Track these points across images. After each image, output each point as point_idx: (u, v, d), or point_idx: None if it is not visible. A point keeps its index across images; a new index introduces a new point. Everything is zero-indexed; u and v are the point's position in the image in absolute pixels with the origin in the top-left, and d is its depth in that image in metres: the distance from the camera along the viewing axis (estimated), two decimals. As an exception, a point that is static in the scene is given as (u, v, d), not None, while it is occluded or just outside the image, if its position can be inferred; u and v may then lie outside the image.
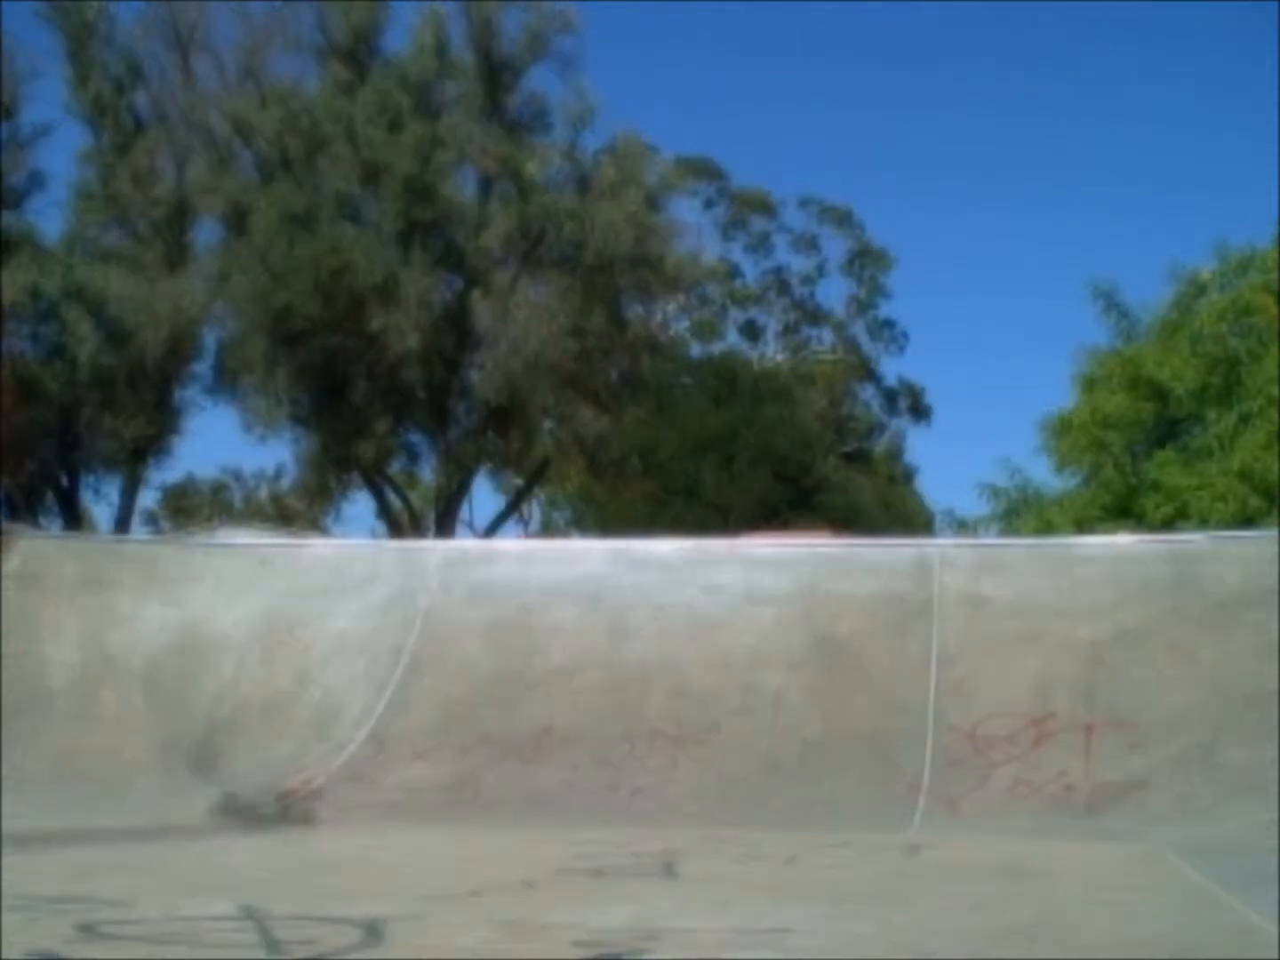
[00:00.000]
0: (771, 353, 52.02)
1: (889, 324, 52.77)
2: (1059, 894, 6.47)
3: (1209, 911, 5.99)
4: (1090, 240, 66.42)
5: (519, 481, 33.15)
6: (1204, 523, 19.22)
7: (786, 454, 39.86)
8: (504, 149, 27.23)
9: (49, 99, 29.92)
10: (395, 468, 30.98)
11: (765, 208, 51.87)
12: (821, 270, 52.76)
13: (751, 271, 52.84)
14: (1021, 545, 13.63)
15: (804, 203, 52.10)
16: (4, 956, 4.67)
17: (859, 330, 53.13)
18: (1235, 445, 20.41)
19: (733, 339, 51.19)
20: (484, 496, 54.82)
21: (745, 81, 72.05)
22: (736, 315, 52.16)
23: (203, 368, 29.74)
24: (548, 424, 29.06)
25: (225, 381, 29.07)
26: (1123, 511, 21.27)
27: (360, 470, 29.23)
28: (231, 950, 5.04)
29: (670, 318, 38.08)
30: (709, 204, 50.05)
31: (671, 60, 72.99)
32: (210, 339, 29.50)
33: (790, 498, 39.45)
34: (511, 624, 11.75)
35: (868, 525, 37.89)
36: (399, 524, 30.07)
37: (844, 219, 52.09)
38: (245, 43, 29.31)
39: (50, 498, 30.09)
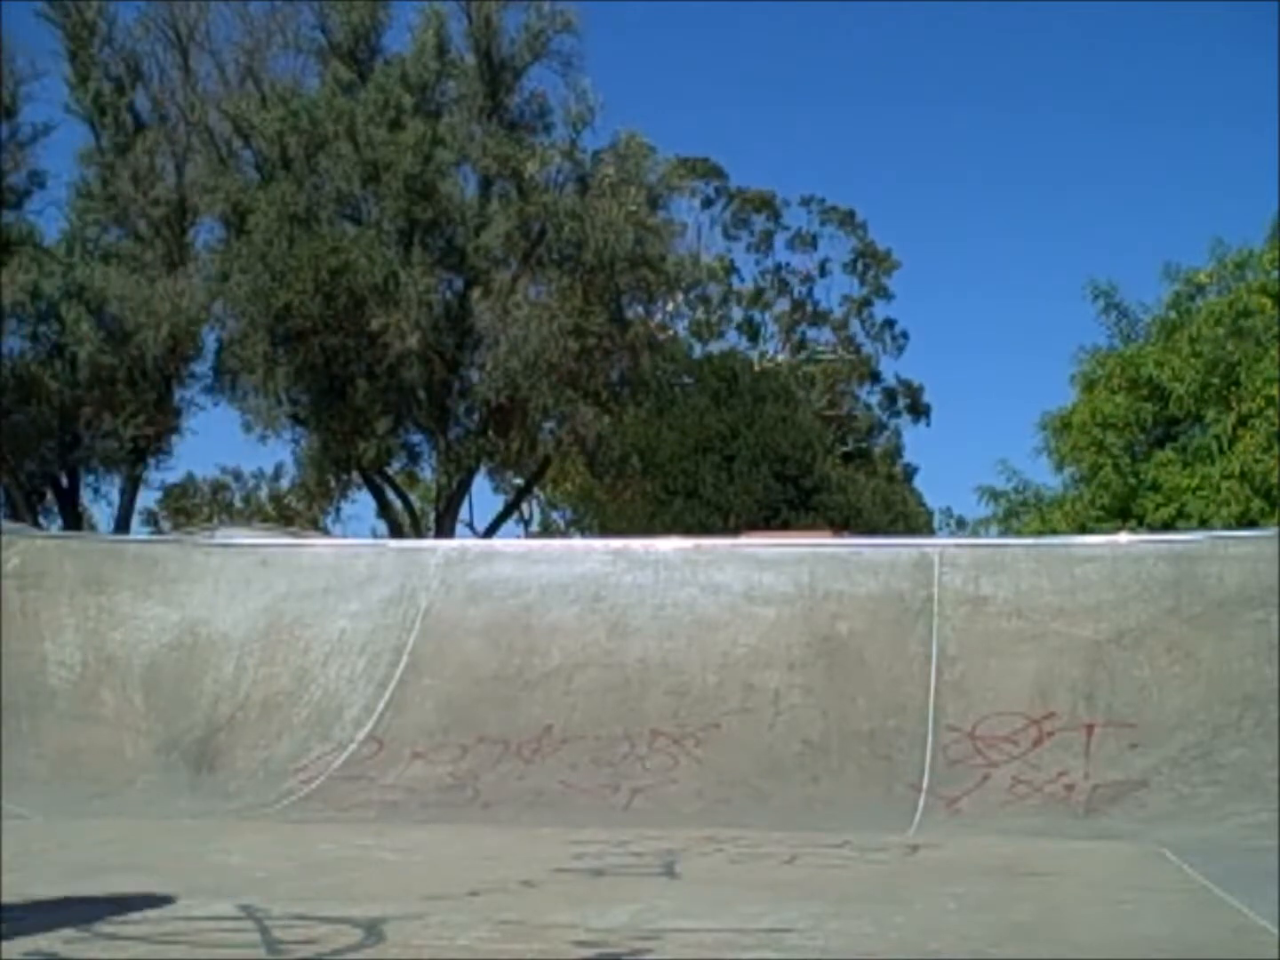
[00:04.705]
0: (772, 352, 52.03)
1: (889, 323, 52.83)
2: (1059, 894, 6.47)
3: (1209, 911, 5.99)
4: (1089, 240, 66.50)
5: (519, 481, 33.18)
6: (1204, 524, 19.22)
7: (786, 454, 39.88)
8: (504, 149, 27.24)
9: (49, 99, 30.06)
10: (395, 468, 31.01)
11: (768, 207, 51.89)
12: (824, 270, 52.83)
13: (752, 271, 52.90)
14: (1021, 545, 13.61)
15: (805, 202, 52.17)
16: (4, 957, 4.67)
17: (858, 329, 53.20)
18: (1235, 447, 20.42)
19: (733, 339, 51.26)
20: (484, 496, 54.85)
21: (745, 81, 72.15)
22: (737, 315, 52.21)
23: (203, 368, 29.82)
24: (548, 424, 29.07)
25: (225, 381, 29.11)
26: (1122, 512, 21.28)
27: (360, 470, 29.26)
28: (231, 950, 5.05)
29: (670, 318, 38.10)
30: (707, 203, 50.09)
31: (671, 60, 73.07)
32: (210, 339, 29.57)
33: (790, 498, 39.47)
34: (511, 624, 11.76)
35: (868, 525, 37.94)
36: (399, 524, 30.10)
37: (846, 219, 52.12)
38: (245, 43, 29.37)
39: (50, 498, 30.12)
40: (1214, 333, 21.21)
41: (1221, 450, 20.70)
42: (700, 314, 47.90)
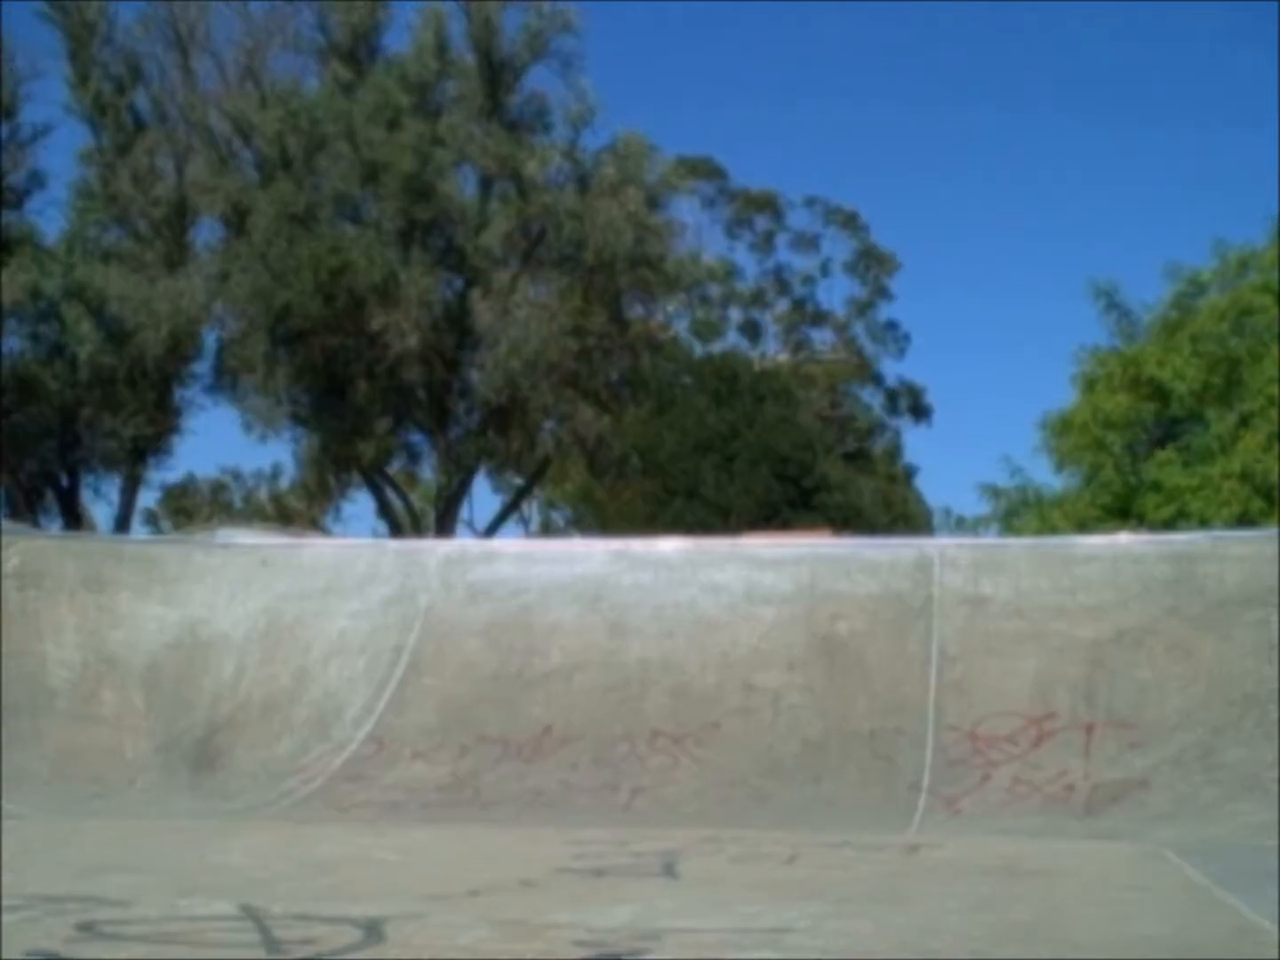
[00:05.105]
0: (772, 352, 52.00)
1: (891, 326, 52.78)
2: (1059, 894, 6.47)
3: (1209, 911, 6.00)
4: (1090, 240, 66.50)
5: (519, 481, 33.15)
6: (1204, 524, 19.22)
7: (786, 454, 39.86)
8: (504, 149, 27.21)
9: (49, 99, 29.96)
10: (395, 467, 30.99)
11: (771, 207, 51.84)
12: (826, 270, 52.78)
13: (754, 271, 52.85)
14: (1021, 545, 13.63)
15: (809, 202, 52.14)
16: (4, 957, 4.67)
17: (860, 331, 53.15)
18: (1236, 446, 20.41)
19: (733, 339, 51.23)
20: (484, 496, 54.83)
21: (747, 81, 72.13)
22: (737, 315, 52.18)
23: (203, 367, 29.79)
24: (548, 424, 29.03)
25: (225, 381, 29.10)
26: (1123, 511, 21.28)
27: (360, 470, 29.24)
28: (231, 950, 5.05)
29: (671, 317, 38.06)
30: (709, 203, 50.06)
31: (671, 60, 73.05)
32: (210, 339, 29.55)
33: (790, 498, 39.45)
34: (511, 624, 11.76)
35: (868, 525, 37.91)
36: (399, 524, 30.07)
37: (849, 220, 52.08)
38: (245, 43, 29.34)
39: (50, 498, 30.09)
40: (1217, 329, 21.22)
41: (1223, 450, 20.69)
42: (700, 314, 47.85)
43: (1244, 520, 19.32)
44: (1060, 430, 22.95)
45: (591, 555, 12.83)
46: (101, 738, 11.29)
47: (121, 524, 29.80)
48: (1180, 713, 10.16)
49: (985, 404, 69.50)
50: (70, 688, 11.73)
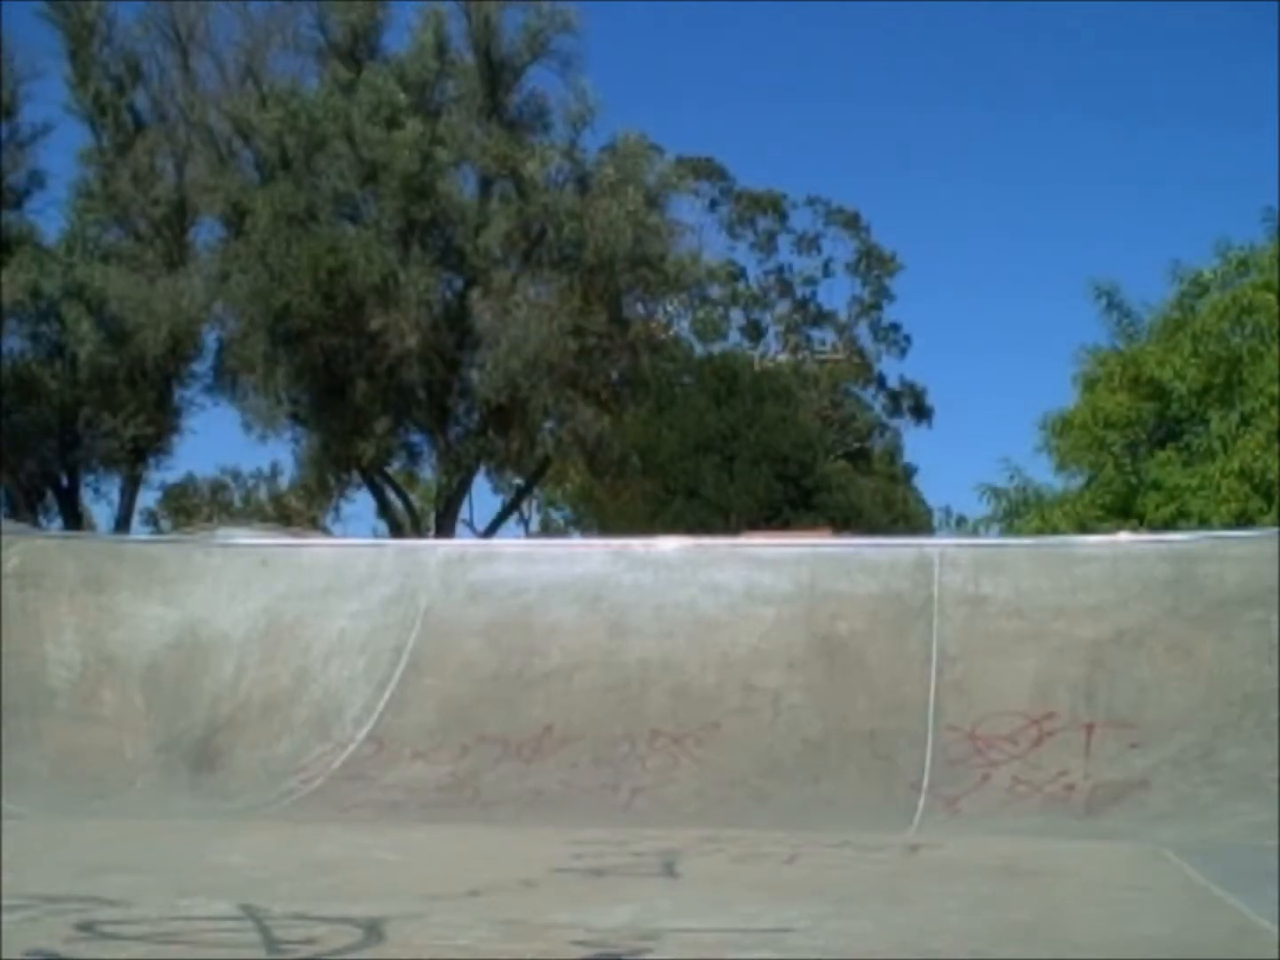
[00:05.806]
0: (773, 352, 51.99)
1: (894, 327, 52.78)
2: (1059, 894, 6.47)
3: (1209, 911, 6.00)
4: (1091, 240, 66.50)
5: (519, 481, 33.12)
6: (1204, 523, 19.20)
7: (787, 454, 39.86)
8: (503, 149, 27.20)
9: (49, 99, 30.00)
10: (395, 467, 30.99)
11: (773, 207, 51.83)
12: (827, 270, 52.79)
13: (756, 271, 52.88)
14: (1021, 545, 13.63)
15: (811, 202, 52.13)
16: (4, 956, 4.67)
17: (862, 332, 53.18)
18: (1236, 445, 20.38)
19: (734, 339, 51.23)
20: (484, 496, 54.80)
21: (747, 81, 72.13)
22: (738, 315, 52.18)
23: (203, 367, 29.83)
24: (548, 424, 29.02)
25: (225, 381, 29.11)
26: (1123, 511, 21.24)
27: (360, 470, 29.23)
28: (231, 950, 5.05)
29: (671, 317, 38.02)
30: (712, 204, 50.07)
31: (672, 60, 73.04)
32: (210, 339, 29.57)
33: (790, 497, 39.45)
34: (511, 624, 11.76)
35: (868, 525, 37.89)
36: (399, 524, 30.07)
37: (851, 221, 52.08)
38: (245, 43, 29.33)
39: (50, 498, 30.09)
40: (1218, 326, 21.18)
41: (1224, 449, 20.67)
42: (701, 314, 47.84)
43: (1244, 519, 19.29)
44: (1060, 430, 22.89)
45: (591, 555, 12.84)
46: (101, 738, 11.29)
47: (121, 524, 29.80)
48: (1180, 713, 10.16)
49: (985, 404, 69.54)
50: (70, 688, 11.73)
